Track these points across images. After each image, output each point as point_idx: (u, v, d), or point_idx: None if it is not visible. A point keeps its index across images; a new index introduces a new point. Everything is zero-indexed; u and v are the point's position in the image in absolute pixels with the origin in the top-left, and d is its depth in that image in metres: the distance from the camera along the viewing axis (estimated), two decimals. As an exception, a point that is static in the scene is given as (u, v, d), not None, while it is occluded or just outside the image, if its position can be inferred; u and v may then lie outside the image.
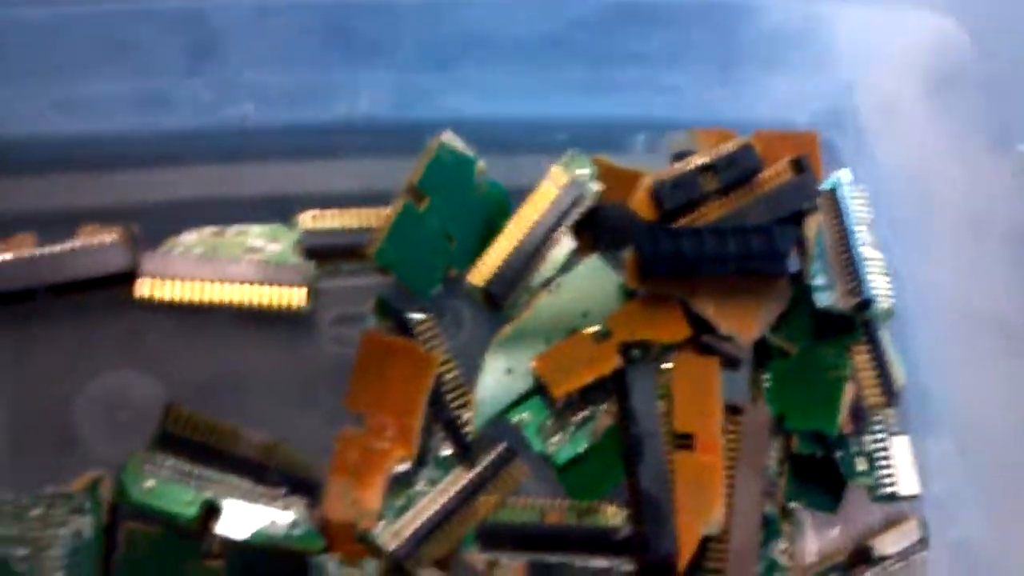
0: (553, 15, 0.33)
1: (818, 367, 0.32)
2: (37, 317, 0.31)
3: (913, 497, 0.33)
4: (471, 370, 0.32)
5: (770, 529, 0.32)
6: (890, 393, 0.33)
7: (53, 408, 0.31)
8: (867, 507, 0.33)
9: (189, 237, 0.32)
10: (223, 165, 0.33)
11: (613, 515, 0.31)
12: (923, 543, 0.32)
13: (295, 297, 0.32)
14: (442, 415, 0.31)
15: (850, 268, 0.33)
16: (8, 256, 0.31)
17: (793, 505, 0.33)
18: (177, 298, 0.31)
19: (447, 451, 0.31)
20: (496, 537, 0.31)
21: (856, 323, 0.33)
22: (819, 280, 0.33)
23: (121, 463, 0.29)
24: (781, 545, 0.32)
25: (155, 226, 0.32)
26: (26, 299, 0.31)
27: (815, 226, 0.33)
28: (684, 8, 0.33)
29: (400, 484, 0.31)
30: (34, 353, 0.31)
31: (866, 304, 0.32)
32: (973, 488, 0.33)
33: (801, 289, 0.33)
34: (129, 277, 0.31)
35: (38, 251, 0.31)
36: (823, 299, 0.33)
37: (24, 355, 0.31)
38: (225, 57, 0.32)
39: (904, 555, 0.32)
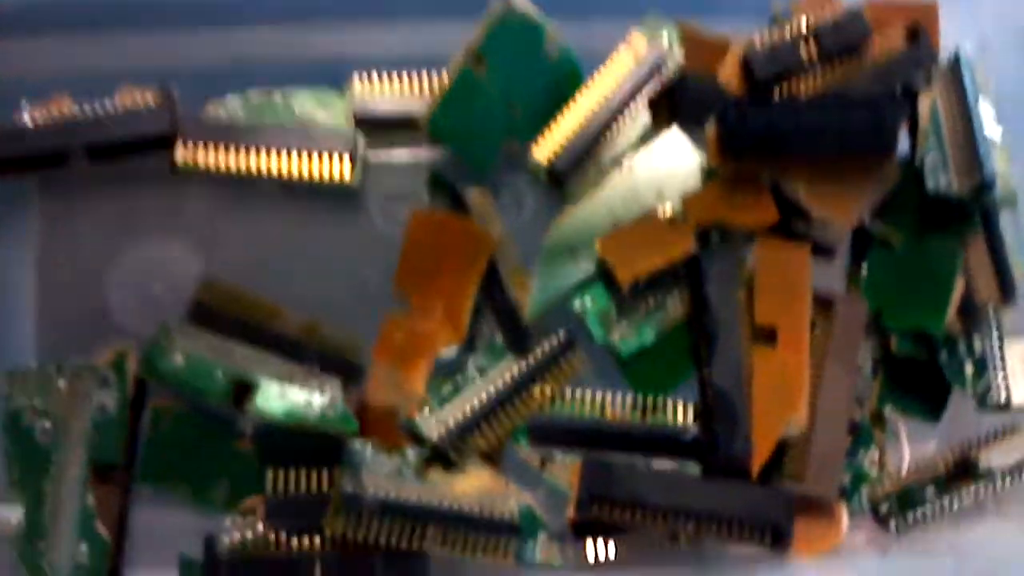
0: None
1: (925, 258, 0.29)
2: (72, 183, 0.29)
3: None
4: (531, 253, 0.29)
5: (860, 437, 0.29)
6: (1007, 290, 0.29)
7: (84, 278, 0.29)
8: (973, 417, 0.29)
9: (233, 102, 0.30)
10: (270, 26, 0.30)
11: (681, 413, 0.28)
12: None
13: (343, 170, 0.29)
14: (496, 299, 0.29)
15: (969, 148, 0.29)
16: (42, 118, 0.29)
17: (888, 411, 0.29)
18: (217, 166, 0.29)
19: (500, 338, 0.28)
20: (551, 431, 0.28)
21: (972, 210, 0.29)
22: (931, 160, 0.29)
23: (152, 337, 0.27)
24: (872, 455, 0.28)
25: (197, 90, 0.30)
26: (61, 163, 0.29)
27: (929, 102, 0.29)
28: None
29: (448, 371, 0.28)
30: (67, 220, 0.30)
31: (986, 187, 0.28)
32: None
33: (910, 172, 0.29)
34: (168, 142, 0.29)
35: (73, 113, 0.29)
36: (936, 181, 0.28)
37: (57, 222, 0.30)
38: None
39: (1016, 470, 0.28)
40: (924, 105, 0.29)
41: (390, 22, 0.31)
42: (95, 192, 0.30)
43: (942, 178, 0.29)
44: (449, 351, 0.28)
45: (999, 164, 0.28)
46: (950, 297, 0.28)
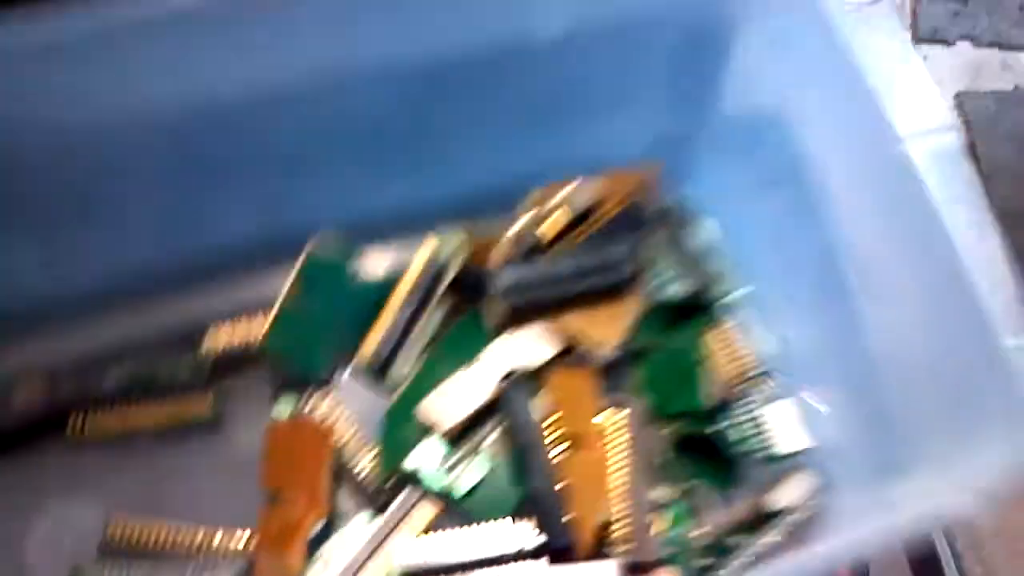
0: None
1: (678, 354, 0.35)
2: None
3: (800, 452, 0.35)
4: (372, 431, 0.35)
5: (674, 510, 0.34)
6: (753, 365, 0.35)
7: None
8: (765, 471, 0.35)
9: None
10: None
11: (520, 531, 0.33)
12: (820, 491, 0.34)
13: (204, 407, 0.36)
14: (348, 475, 0.34)
15: (691, 264, 0.36)
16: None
17: (692, 483, 0.35)
18: (104, 429, 0.35)
19: (357, 506, 0.34)
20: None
21: (710, 307, 0.36)
22: (660, 279, 0.36)
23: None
24: (687, 523, 0.34)
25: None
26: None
27: (653, 240, 0.37)
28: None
29: (320, 543, 0.33)
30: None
31: (709, 289, 0.36)
32: (854, 435, 0.34)
33: (651, 291, 0.36)
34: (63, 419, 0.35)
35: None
36: (671, 291, 0.36)
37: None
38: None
39: (803, 506, 0.33)
40: (654, 240, 0.37)
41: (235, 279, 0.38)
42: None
43: (671, 288, 0.36)
44: (317, 527, 0.34)
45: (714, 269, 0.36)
46: (701, 379, 0.35)
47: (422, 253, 0.37)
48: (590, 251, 0.36)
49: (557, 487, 0.33)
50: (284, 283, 0.37)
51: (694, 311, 0.36)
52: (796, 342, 0.37)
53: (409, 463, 0.34)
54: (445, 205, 0.38)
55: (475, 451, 0.35)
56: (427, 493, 0.34)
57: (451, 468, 0.35)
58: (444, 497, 0.34)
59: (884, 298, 0.30)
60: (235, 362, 0.37)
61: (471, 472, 0.34)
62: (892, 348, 0.31)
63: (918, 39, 0.51)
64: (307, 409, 0.36)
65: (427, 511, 0.34)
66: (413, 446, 0.35)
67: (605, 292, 0.36)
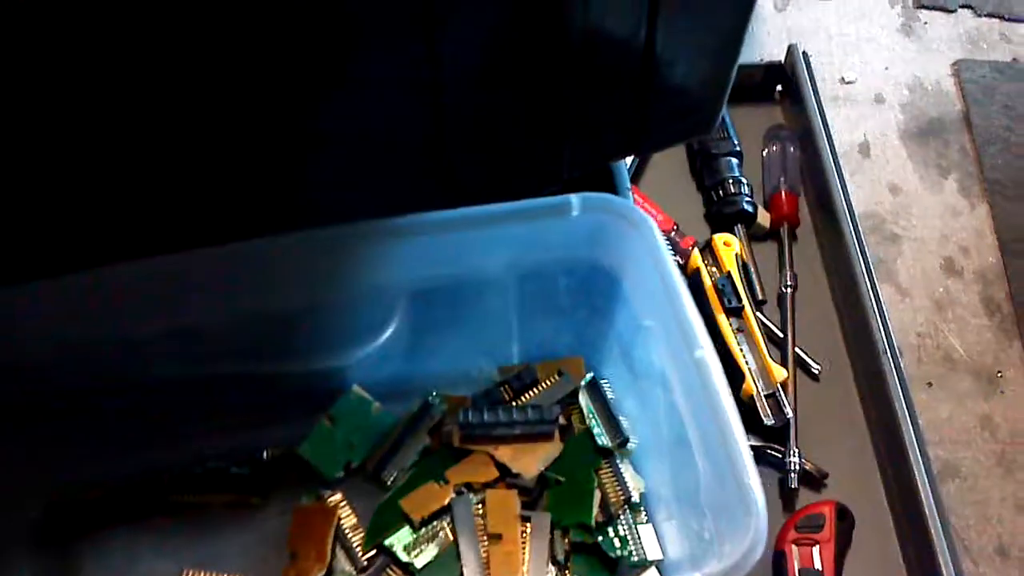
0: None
1: (577, 483, 0.52)
2: None
3: (655, 561, 0.51)
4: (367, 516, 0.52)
5: (566, 601, 0.50)
6: (628, 498, 0.52)
7: None
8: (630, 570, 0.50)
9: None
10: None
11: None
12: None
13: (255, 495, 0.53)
14: (344, 543, 0.51)
15: (610, 421, 0.54)
16: None
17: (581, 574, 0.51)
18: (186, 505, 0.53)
19: (348, 566, 0.51)
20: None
21: (609, 452, 0.53)
22: (597, 431, 0.54)
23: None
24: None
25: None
26: None
27: (581, 402, 0.55)
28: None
29: (319, 586, 0.50)
30: None
31: (625, 442, 0.53)
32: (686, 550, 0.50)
33: (570, 442, 0.54)
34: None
35: None
36: (601, 440, 0.53)
37: None
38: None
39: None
40: (581, 406, 0.55)
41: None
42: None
43: (602, 439, 0.53)
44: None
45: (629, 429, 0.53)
46: (592, 502, 0.51)
47: (417, 404, 0.55)
48: (530, 409, 0.53)
49: (482, 566, 0.49)
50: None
51: (601, 453, 0.53)
52: (656, 484, 0.53)
53: (387, 541, 0.51)
54: (439, 377, 0.56)
55: (432, 538, 0.51)
56: (396, 563, 0.51)
57: (414, 547, 0.51)
58: (406, 567, 0.50)
59: (694, 450, 0.47)
60: (280, 466, 0.54)
61: (428, 551, 0.51)
62: (699, 481, 0.47)
63: (919, 4, 0.57)
64: (325, 498, 0.52)
65: (393, 575, 0.50)
66: (392, 530, 0.51)
67: (535, 437, 0.53)
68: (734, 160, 0.69)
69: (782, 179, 0.68)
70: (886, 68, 0.79)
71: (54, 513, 0.52)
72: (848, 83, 0.78)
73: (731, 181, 0.67)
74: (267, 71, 0.43)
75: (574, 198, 0.51)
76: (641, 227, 0.49)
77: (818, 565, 0.52)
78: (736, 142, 0.69)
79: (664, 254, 0.48)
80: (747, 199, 0.66)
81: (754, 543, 0.40)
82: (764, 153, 0.70)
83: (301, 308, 0.52)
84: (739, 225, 0.66)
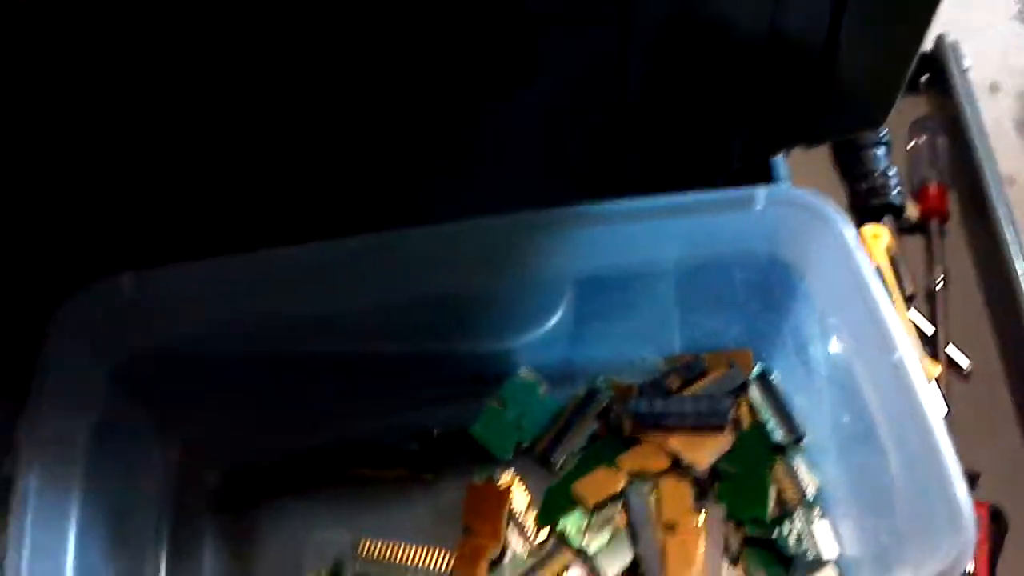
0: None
1: (751, 478, 0.52)
2: None
3: (832, 560, 0.50)
4: (539, 500, 0.53)
5: (739, 592, 0.50)
6: (803, 495, 0.52)
7: None
8: (805, 567, 0.50)
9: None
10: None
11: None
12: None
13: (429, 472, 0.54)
14: (517, 523, 0.52)
15: (784, 416, 0.54)
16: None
17: (753, 572, 0.51)
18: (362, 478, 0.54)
19: (520, 546, 0.51)
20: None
21: (782, 448, 0.53)
22: (771, 425, 0.53)
23: None
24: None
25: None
26: None
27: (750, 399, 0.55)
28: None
29: (495, 564, 0.51)
30: None
31: (799, 439, 0.53)
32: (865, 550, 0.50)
33: (741, 435, 0.53)
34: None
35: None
36: (776, 436, 0.53)
37: None
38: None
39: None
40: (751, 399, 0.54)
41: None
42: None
43: (776, 435, 0.53)
44: (494, 553, 0.51)
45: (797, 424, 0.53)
46: (767, 497, 0.51)
47: (583, 389, 0.56)
48: (703, 400, 0.53)
49: (657, 554, 0.49)
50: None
51: (773, 448, 0.53)
52: (832, 481, 0.53)
53: (559, 524, 0.52)
54: (603, 363, 0.57)
55: (607, 523, 0.52)
56: (567, 546, 0.51)
57: (586, 531, 0.51)
58: (579, 552, 0.51)
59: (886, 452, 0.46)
60: (451, 444, 0.55)
61: (601, 537, 0.51)
62: (890, 484, 0.47)
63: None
64: (497, 477, 0.53)
65: (566, 558, 0.51)
66: (563, 513, 0.52)
67: (707, 428, 0.53)
68: (881, 151, 0.67)
69: (931, 171, 0.67)
70: (1002, 56, 0.77)
71: (233, 481, 0.53)
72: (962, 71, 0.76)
73: (879, 173, 0.66)
74: (457, 57, 0.44)
75: (759, 191, 0.50)
76: (831, 222, 0.49)
77: (970, 568, 0.51)
78: (884, 132, 0.68)
79: (857, 251, 0.47)
80: (896, 191, 0.65)
81: (958, 562, 0.40)
82: (911, 144, 0.69)
83: (474, 292, 0.53)
84: (888, 217, 0.65)
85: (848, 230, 0.48)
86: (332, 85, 0.44)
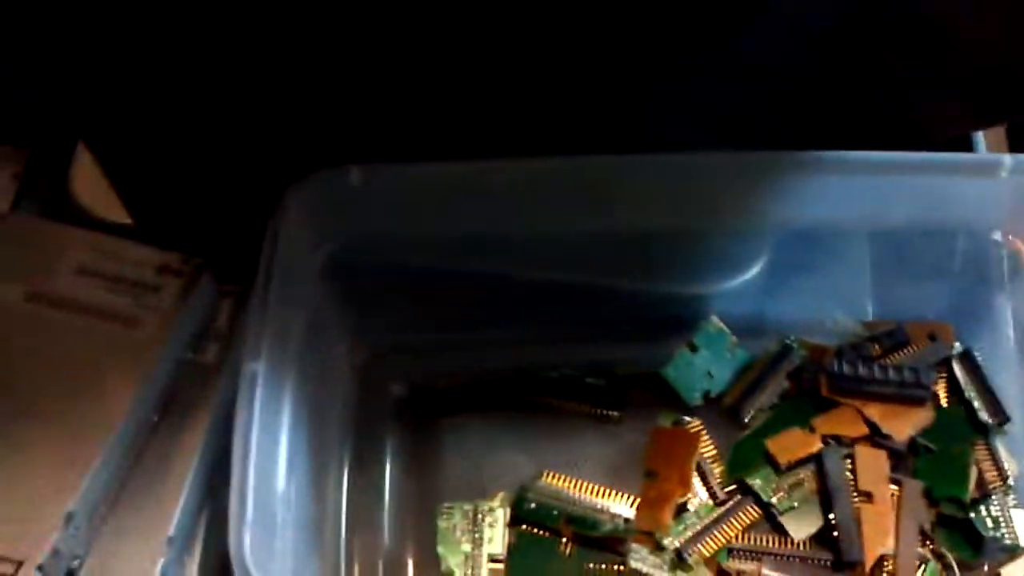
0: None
1: (951, 456, 0.50)
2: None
3: None
4: (723, 452, 0.51)
5: (928, 568, 0.48)
6: (1004, 478, 0.50)
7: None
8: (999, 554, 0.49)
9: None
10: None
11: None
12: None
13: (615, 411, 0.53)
14: (703, 472, 0.51)
15: (989, 396, 0.52)
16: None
17: (944, 552, 0.49)
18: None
19: (705, 495, 0.50)
20: (741, 552, 0.49)
21: (985, 429, 0.51)
22: (977, 404, 0.52)
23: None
24: (938, 578, 0.48)
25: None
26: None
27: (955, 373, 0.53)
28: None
29: (681, 511, 0.50)
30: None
31: (1007, 420, 0.51)
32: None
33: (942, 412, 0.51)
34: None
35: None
36: (981, 415, 0.51)
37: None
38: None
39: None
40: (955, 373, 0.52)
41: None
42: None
43: (982, 415, 0.51)
44: (681, 500, 0.50)
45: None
46: (968, 477, 0.49)
47: (779, 342, 0.54)
48: (906, 370, 0.51)
49: (854, 523, 0.48)
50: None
51: (973, 427, 0.51)
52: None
53: (750, 479, 0.50)
54: (792, 321, 0.55)
55: (798, 485, 0.50)
56: (756, 502, 0.50)
57: (776, 490, 0.50)
58: (767, 507, 0.50)
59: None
60: (635, 384, 0.54)
61: (792, 497, 0.50)
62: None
63: None
64: (684, 423, 0.52)
65: (752, 514, 0.50)
66: (753, 468, 0.50)
67: (908, 399, 0.51)
68: None
69: None
70: None
71: (418, 395, 0.53)
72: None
73: None
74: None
75: (1006, 158, 0.48)
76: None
77: None
78: None
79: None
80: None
81: None
82: None
83: (679, 229, 0.51)
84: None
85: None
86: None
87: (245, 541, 0.37)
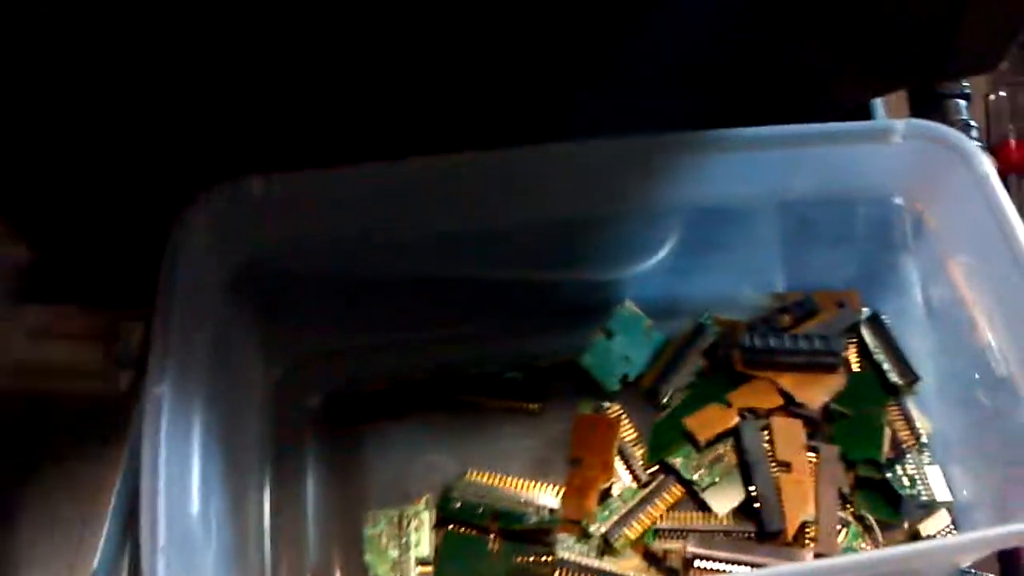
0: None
1: (866, 420, 0.51)
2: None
3: (946, 503, 0.50)
4: (644, 434, 0.52)
5: (850, 530, 0.49)
6: (916, 437, 0.51)
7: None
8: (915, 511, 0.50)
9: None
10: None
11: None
12: (952, 525, 0.49)
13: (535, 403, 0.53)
14: (625, 455, 0.51)
15: (896, 356, 0.53)
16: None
17: (864, 513, 0.50)
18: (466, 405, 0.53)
19: (629, 479, 0.51)
20: (667, 532, 0.49)
21: (896, 390, 0.52)
22: (887, 367, 0.53)
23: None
24: (858, 541, 0.49)
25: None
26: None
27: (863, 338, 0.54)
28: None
29: (605, 497, 0.50)
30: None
31: (916, 379, 0.52)
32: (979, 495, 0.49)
33: (854, 377, 0.53)
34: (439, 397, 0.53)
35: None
36: (891, 377, 0.52)
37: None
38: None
39: (939, 534, 0.48)
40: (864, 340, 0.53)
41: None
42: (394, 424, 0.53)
43: (892, 376, 0.52)
44: (605, 485, 0.50)
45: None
46: (882, 439, 0.50)
47: (691, 325, 0.54)
48: (816, 339, 0.52)
49: (774, 493, 0.49)
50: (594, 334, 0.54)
51: (882, 391, 0.52)
52: (945, 425, 0.52)
53: (670, 459, 0.51)
54: (704, 299, 0.56)
55: (718, 460, 0.51)
56: (677, 481, 0.50)
57: (697, 467, 0.51)
58: (689, 485, 0.50)
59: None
60: (554, 374, 0.54)
61: (713, 473, 0.50)
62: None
63: None
64: (604, 410, 0.52)
65: (675, 493, 0.50)
66: (673, 448, 0.51)
67: (820, 367, 0.52)
68: (963, 103, 0.66)
69: (1009, 127, 0.65)
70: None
71: (336, 403, 0.52)
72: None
73: (959, 125, 0.64)
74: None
75: (897, 123, 0.49)
76: (972, 160, 0.47)
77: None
78: (964, 84, 0.66)
79: (1000, 191, 0.46)
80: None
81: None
82: (991, 97, 0.67)
83: (586, 217, 0.51)
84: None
85: (989, 168, 0.46)
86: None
87: (159, 568, 0.36)
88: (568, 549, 0.47)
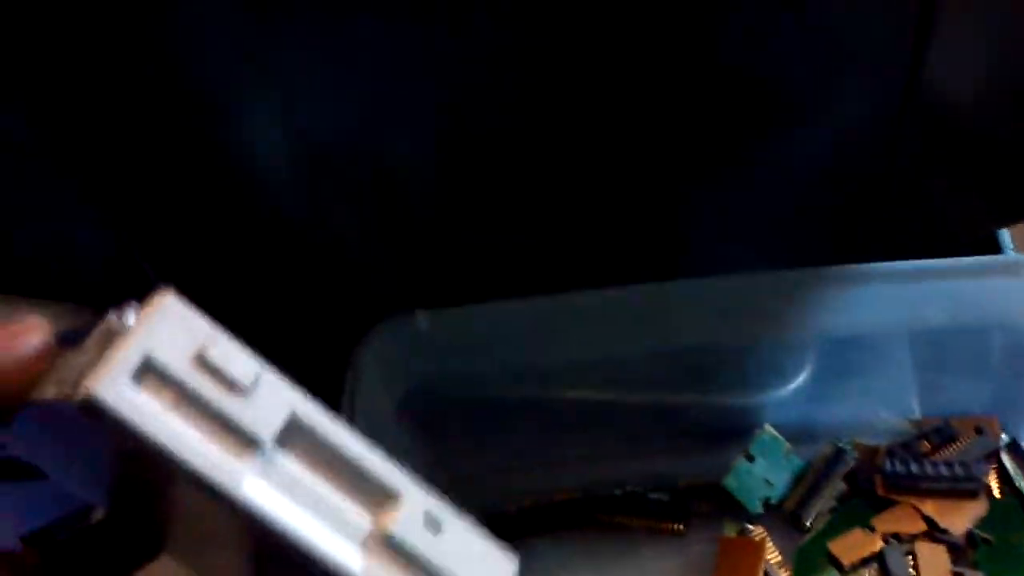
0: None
1: (1013, 546, 0.52)
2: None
3: None
4: (787, 558, 0.53)
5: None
6: None
7: None
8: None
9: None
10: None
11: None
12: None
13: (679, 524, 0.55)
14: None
15: None
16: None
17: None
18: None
19: None
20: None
21: None
22: None
23: None
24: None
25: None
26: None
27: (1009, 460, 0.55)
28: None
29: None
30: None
31: None
32: None
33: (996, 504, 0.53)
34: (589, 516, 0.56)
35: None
36: None
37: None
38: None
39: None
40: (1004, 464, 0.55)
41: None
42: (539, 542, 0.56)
43: None
44: None
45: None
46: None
47: (829, 450, 0.56)
48: (957, 465, 0.53)
49: (921, 615, 0.50)
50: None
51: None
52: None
53: (817, 583, 0.52)
54: (841, 424, 0.58)
55: (862, 583, 0.52)
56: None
57: (843, 591, 0.52)
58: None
59: None
60: (695, 495, 0.56)
61: (857, 596, 0.52)
62: None
63: None
64: (748, 531, 0.54)
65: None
66: (817, 572, 0.52)
67: (961, 493, 0.53)
68: None
69: None
70: None
71: (490, 521, 0.55)
72: None
73: None
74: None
75: (1028, 258, 0.51)
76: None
77: None
78: None
79: None
80: None
81: None
82: None
83: (726, 346, 0.54)
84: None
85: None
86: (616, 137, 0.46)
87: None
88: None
